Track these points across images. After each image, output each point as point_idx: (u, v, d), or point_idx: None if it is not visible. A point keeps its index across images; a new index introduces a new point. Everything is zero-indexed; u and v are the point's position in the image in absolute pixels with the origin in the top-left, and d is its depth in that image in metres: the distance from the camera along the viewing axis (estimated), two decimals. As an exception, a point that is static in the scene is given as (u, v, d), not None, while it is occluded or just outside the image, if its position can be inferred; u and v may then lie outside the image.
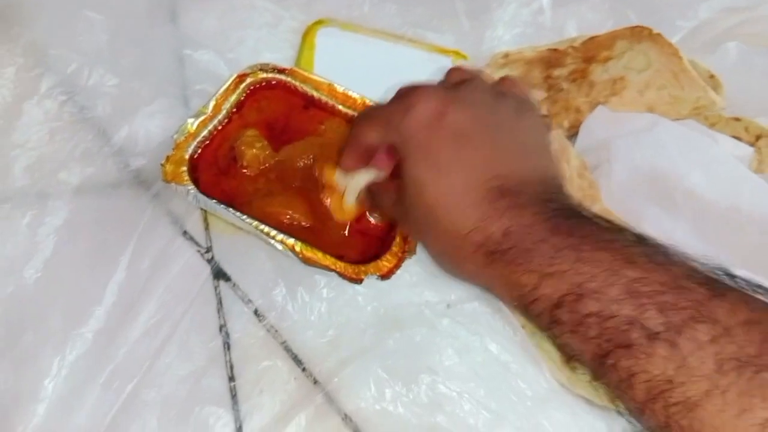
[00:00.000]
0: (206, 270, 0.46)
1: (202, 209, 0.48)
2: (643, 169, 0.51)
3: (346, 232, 0.47)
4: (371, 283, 0.45)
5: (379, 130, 0.40)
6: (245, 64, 0.52)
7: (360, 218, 0.47)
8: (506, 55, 0.60)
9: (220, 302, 0.45)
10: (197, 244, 0.47)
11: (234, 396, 0.42)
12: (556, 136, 0.54)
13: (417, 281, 0.48)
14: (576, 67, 0.59)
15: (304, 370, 0.44)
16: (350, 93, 0.52)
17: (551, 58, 0.60)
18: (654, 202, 0.51)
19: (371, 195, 0.44)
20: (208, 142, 0.48)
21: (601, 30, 0.60)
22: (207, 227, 0.48)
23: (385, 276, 0.44)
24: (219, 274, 0.46)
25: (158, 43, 0.55)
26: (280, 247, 0.44)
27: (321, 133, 0.51)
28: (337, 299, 0.46)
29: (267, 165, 0.48)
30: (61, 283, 0.43)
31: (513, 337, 0.47)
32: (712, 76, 0.59)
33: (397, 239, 0.46)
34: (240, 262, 0.47)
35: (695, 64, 0.58)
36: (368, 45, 0.60)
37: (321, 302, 0.46)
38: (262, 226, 0.44)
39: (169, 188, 0.46)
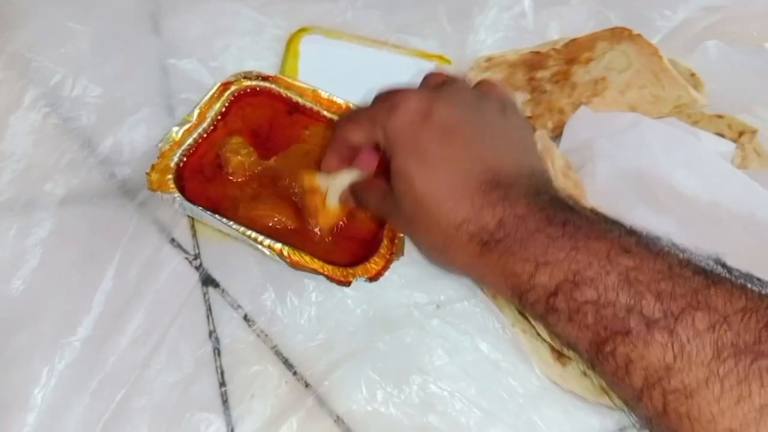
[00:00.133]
0: (194, 277, 0.46)
1: (189, 216, 0.48)
2: (626, 167, 0.52)
3: (329, 238, 0.47)
4: (360, 285, 0.45)
5: (363, 130, 0.40)
6: (229, 72, 0.52)
7: (346, 222, 0.47)
8: (489, 59, 0.61)
9: (209, 308, 0.45)
10: (185, 251, 0.47)
11: (225, 401, 0.42)
12: (540, 137, 0.54)
13: (406, 283, 0.48)
14: (558, 69, 0.59)
15: (294, 373, 0.44)
16: (335, 99, 0.52)
17: (534, 61, 0.60)
18: (638, 201, 0.51)
19: (356, 194, 0.44)
20: (193, 150, 0.48)
21: (583, 32, 0.61)
22: (194, 234, 0.48)
23: (373, 278, 0.44)
24: (207, 281, 0.46)
25: (141, 53, 0.55)
26: (267, 252, 0.44)
27: (305, 139, 0.51)
28: (326, 302, 0.46)
29: (253, 171, 0.48)
30: (49, 293, 0.43)
31: (503, 336, 0.47)
32: (692, 75, 0.59)
33: (385, 241, 0.46)
34: (228, 268, 0.47)
35: (676, 63, 0.59)
36: (352, 51, 0.60)
37: (310, 306, 0.46)
38: (249, 232, 0.44)
39: (155, 197, 0.46)
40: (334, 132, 0.43)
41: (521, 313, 0.47)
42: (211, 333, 0.44)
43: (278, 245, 0.44)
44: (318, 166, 0.45)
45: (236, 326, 0.45)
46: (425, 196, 0.36)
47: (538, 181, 0.37)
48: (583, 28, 0.63)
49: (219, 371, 0.43)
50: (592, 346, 0.32)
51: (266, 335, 0.45)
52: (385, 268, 0.45)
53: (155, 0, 0.59)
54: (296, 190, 0.47)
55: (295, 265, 0.43)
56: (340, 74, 0.57)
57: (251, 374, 0.43)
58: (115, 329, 0.43)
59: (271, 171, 0.48)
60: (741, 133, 0.57)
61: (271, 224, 0.46)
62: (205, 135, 0.49)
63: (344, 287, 0.44)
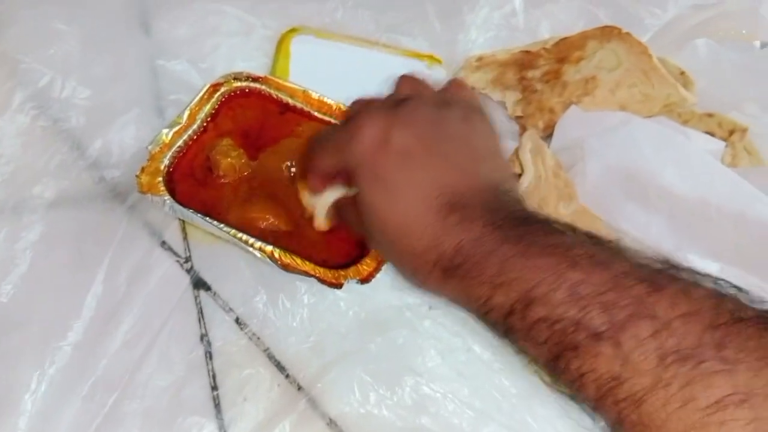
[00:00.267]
0: (186, 280, 0.46)
1: (179, 219, 0.48)
2: (617, 166, 0.52)
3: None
4: (352, 287, 0.45)
5: (330, 159, 0.41)
6: (219, 73, 0.52)
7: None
8: (480, 58, 0.61)
9: (200, 311, 0.45)
10: (176, 254, 0.47)
11: (217, 405, 0.42)
12: (531, 137, 0.55)
13: (397, 284, 0.48)
14: (549, 68, 0.59)
15: (287, 376, 0.44)
16: (325, 99, 0.52)
17: (524, 60, 0.60)
18: (629, 199, 0.51)
19: (339, 212, 0.44)
20: (183, 152, 0.48)
21: (573, 31, 0.61)
22: (185, 237, 0.48)
23: (365, 280, 0.44)
24: (199, 284, 0.46)
25: (130, 54, 0.55)
26: (258, 254, 0.43)
27: (299, 134, 0.51)
28: (318, 305, 0.46)
29: (244, 173, 0.48)
30: (39, 298, 0.43)
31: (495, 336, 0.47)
32: (682, 73, 0.60)
33: (377, 242, 0.46)
34: (220, 270, 0.47)
35: (666, 61, 0.59)
36: (343, 51, 0.60)
37: (302, 308, 0.46)
38: (240, 235, 0.44)
39: (146, 199, 0.46)
40: (307, 156, 0.43)
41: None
42: (202, 336, 0.44)
43: (269, 248, 0.44)
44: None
45: (228, 329, 0.45)
46: (389, 225, 0.37)
47: (496, 194, 0.37)
48: (574, 26, 0.63)
49: (211, 374, 0.43)
50: (548, 362, 0.32)
51: (258, 338, 0.45)
52: (377, 269, 0.45)
53: (144, 1, 0.58)
54: (290, 173, 0.47)
55: (286, 268, 0.43)
56: (332, 74, 0.57)
57: (243, 377, 0.43)
58: (105, 333, 0.43)
59: (262, 171, 0.48)
60: (731, 132, 0.57)
61: (263, 226, 0.46)
62: (195, 137, 0.49)
63: (336, 289, 0.44)
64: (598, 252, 0.33)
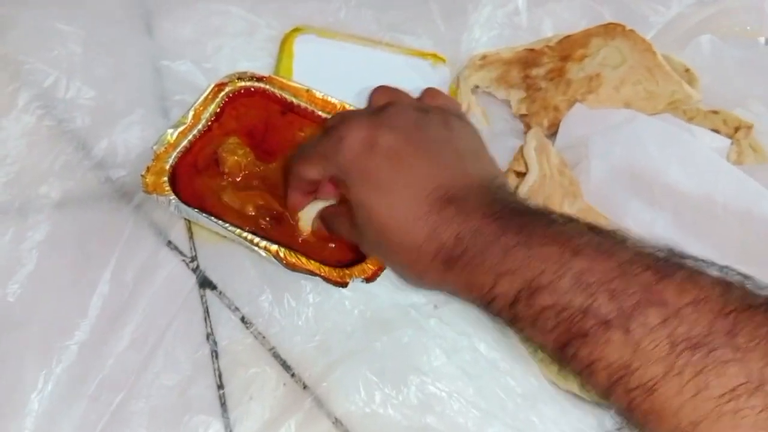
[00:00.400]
0: (192, 279, 0.46)
1: (185, 219, 0.48)
2: (621, 164, 0.52)
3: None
4: (357, 286, 0.45)
5: (317, 166, 0.41)
6: (223, 73, 0.52)
7: None
8: (484, 57, 0.61)
9: (206, 311, 0.45)
10: (182, 253, 0.47)
11: (223, 404, 0.42)
12: (536, 135, 0.54)
13: (403, 283, 0.47)
14: (553, 66, 0.59)
15: (293, 375, 0.44)
16: (330, 99, 0.52)
17: (528, 58, 0.60)
18: (634, 197, 0.51)
19: (325, 222, 0.45)
20: (188, 151, 0.48)
21: (577, 28, 0.61)
22: (191, 237, 0.48)
23: (370, 279, 0.44)
24: (204, 283, 0.46)
25: (134, 54, 0.55)
26: (263, 253, 0.44)
27: (301, 141, 0.51)
28: (323, 304, 0.46)
29: (249, 172, 0.48)
30: (45, 297, 0.43)
31: (501, 336, 0.47)
32: (687, 70, 0.60)
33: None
34: (225, 270, 0.47)
35: (670, 58, 0.59)
36: (346, 51, 0.60)
37: (308, 307, 0.46)
38: (245, 234, 0.44)
39: (151, 199, 0.46)
40: (291, 170, 0.44)
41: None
42: (208, 335, 0.44)
43: (274, 247, 0.44)
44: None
45: (234, 328, 0.45)
46: (385, 224, 0.37)
47: (491, 189, 0.38)
48: (577, 24, 0.63)
49: (217, 373, 0.43)
50: (556, 350, 0.32)
51: (264, 337, 0.45)
52: (382, 268, 0.45)
53: (147, 1, 0.59)
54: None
55: (292, 267, 0.43)
56: (335, 74, 0.57)
57: (249, 376, 0.43)
58: (112, 332, 0.43)
59: (272, 174, 0.49)
60: (737, 129, 0.57)
61: (258, 204, 0.46)
62: (199, 136, 0.49)
63: (341, 288, 0.44)
64: (602, 241, 0.33)
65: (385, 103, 0.41)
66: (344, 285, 0.44)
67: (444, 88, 0.58)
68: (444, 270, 0.36)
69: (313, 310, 0.46)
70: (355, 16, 0.62)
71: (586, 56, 0.58)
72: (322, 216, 0.45)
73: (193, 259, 0.47)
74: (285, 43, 0.59)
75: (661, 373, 0.29)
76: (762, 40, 0.65)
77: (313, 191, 0.44)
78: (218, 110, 0.50)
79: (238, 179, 0.48)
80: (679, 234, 0.49)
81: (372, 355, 0.45)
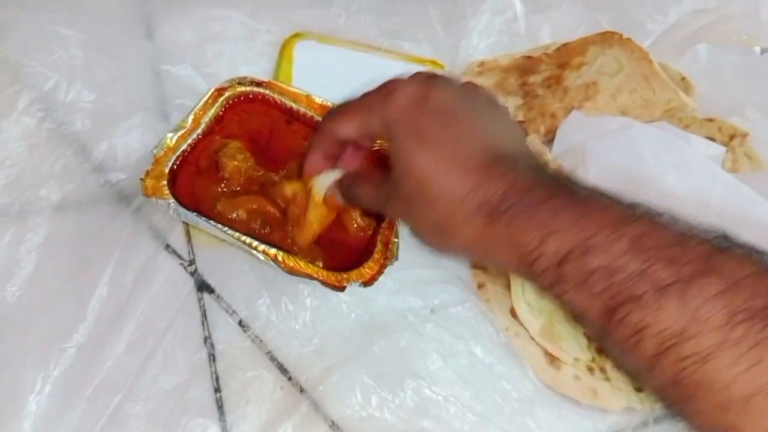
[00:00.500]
0: (190, 282, 0.46)
1: (184, 222, 0.48)
2: (617, 171, 0.52)
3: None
4: (354, 290, 0.45)
5: (355, 122, 0.41)
6: (223, 78, 0.52)
7: (336, 227, 0.48)
8: (482, 64, 0.61)
9: (204, 314, 0.45)
10: (180, 257, 0.47)
11: (220, 407, 0.42)
12: (533, 142, 0.55)
13: (400, 287, 0.48)
14: (550, 74, 0.60)
15: (290, 379, 0.44)
16: (329, 104, 0.52)
17: (526, 65, 0.61)
18: (630, 203, 0.51)
19: (345, 189, 0.44)
20: (188, 156, 0.48)
21: (574, 36, 0.61)
22: (189, 240, 0.48)
23: (367, 283, 0.45)
24: (203, 286, 0.46)
25: (134, 58, 0.55)
26: (262, 257, 0.44)
27: (304, 151, 0.51)
28: (321, 308, 0.46)
29: (249, 177, 0.48)
30: (44, 300, 0.43)
31: (497, 340, 0.47)
32: (683, 79, 0.60)
33: (379, 246, 0.46)
34: (223, 273, 0.47)
35: (666, 67, 0.60)
36: (346, 57, 0.60)
37: (305, 311, 0.46)
38: (243, 237, 0.44)
39: (150, 203, 0.46)
40: (319, 129, 0.43)
41: (514, 316, 0.48)
42: (206, 339, 0.45)
43: (273, 250, 0.44)
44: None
45: (231, 332, 0.45)
46: (427, 174, 0.36)
47: (536, 161, 0.38)
48: (575, 32, 0.63)
49: (214, 377, 0.43)
50: (602, 314, 0.32)
51: (261, 341, 0.45)
52: (380, 272, 0.45)
53: (147, 6, 0.59)
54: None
55: (290, 270, 0.44)
56: (334, 79, 0.57)
57: (246, 380, 0.43)
58: (110, 335, 0.43)
59: (267, 177, 0.49)
60: (732, 137, 0.58)
61: (255, 206, 0.46)
62: (201, 140, 0.49)
63: (339, 292, 0.44)
64: (657, 214, 0.33)
65: (431, 74, 0.41)
66: (342, 289, 0.44)
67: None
68: (485, 225, 0.35)
69: (310, 314, 0.46)
70: (355, 23, 0.62)
71: (584, 64, 0.59)
72: (342, 183, 0.44)
73: (192, 262, 0.47)
74: (285, 48, 0.59)
75: (716, 343, 0.28)
76: (758, 49, 0.66)
77: (334, 157, 0.44)
78: (219, 115, 0.50)
79: (238, 188, 0.48)
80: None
81: (369, 359, 0.45)
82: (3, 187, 0.47)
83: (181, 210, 0.44)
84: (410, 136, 0.37)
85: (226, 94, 0.51)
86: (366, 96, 0.41)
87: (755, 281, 0.29)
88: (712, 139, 0.57)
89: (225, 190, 0.48)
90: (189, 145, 0.48)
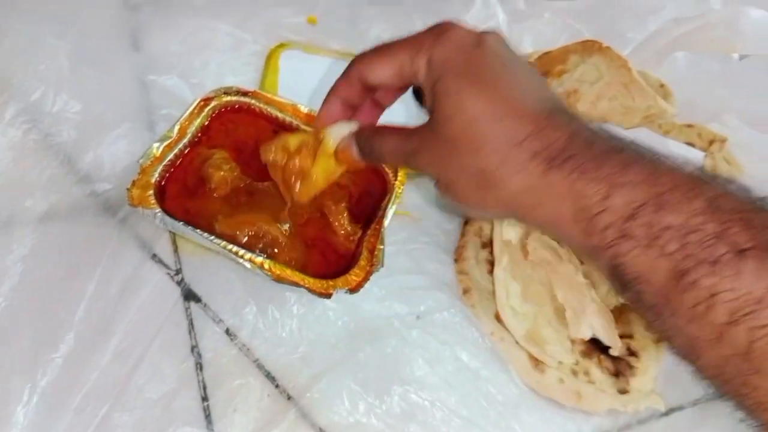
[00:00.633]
0: (176, 292, 0.47)
1: (170, 232, 0.48)
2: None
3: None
4: (341, 297, 0.45)
5: (394, 62, 0.37)
6: (209, 87, 0.52)
7: (323, 235, 0.48)
8: (465, 72, 0.62)
9: (191, 323, 0.46)
10: (166, 266, 0.47)
11: (208, 415, 0.43)
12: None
13: (386, 294, 0.48)
14: (533, 82, 0.60)
15: (277, 386, 0.44)
16: (314, 113, 0.53)
17: (509, 73, 0.61)
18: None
19: (365, 140, 0.40)
20: (174, 165, 0.48)
21: (556, 45, 0.62)
22: (176, 249, 0.48)
23: (353, 290, 0.45)
24: (189, 296, 0.47)
25: (121, 69, 0.56)
26: (248, 265, 0.44)
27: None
28: (307, 315, 0.47)
29: (236, 187, 0.49)
30: (30, 310, 0.43)
31: (482, 345, 0.48)
32: (662, 86, 0.61)
33: (365, 253, 0.47)
34: (210, 282, 0.47)
35: (646, 74, 0.61)
36: (331, 66, 0.61)
37: (292, 319, 0.47)
38: (230, 246, 0.44)
39: (137, 212, 0.46)
40: (346, 72, 0.40)
41: (499, 321, 0.48)
42: (193, 347, 0.45)
43: (259, 259, 0.44)
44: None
45: (218, 340, 0.45)
46: (479, 115, 0.33)
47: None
48: (557, 41, 0.64)
49: (201, 385, 0.44)
50: (670, 277, 0.29)
51: (248, 349, 0.45)
52: (366, 279, 0.45)
53: (134, 16, 0.59)
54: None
55: (276, 278, 0.44)
56: (320, 89, 0.57)
57: (234, 388, 0.44)
58: (97, 345, 0.43)
59: (253, 186, 0.49)
60: (711, 142, 0.59)
61: (252, 233, 0.46)
62: (186, 150, 0.49)
63: (325, 299, 0.45)
64: (725, 181, 0.31)
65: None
66: (328, 296, 0.44)
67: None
68: (542, 173, 0.32)
69: (297, 322, 0.46)
70: (340, 33, 0.63)
71: (565, 72, 0.60)
72: (360, 134, 0.40)
73: (178, 272, 0.47)
74: (270, 58, 0.60)
75: None
76: (736, 56, 0.67)
77: (353, 109, 0.41)
78: (206, 124, 0.51)
79: (231, 202, 0.48)
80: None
81: (356, 365, 0.45)
82: (-12, 198, 0.47)
83: (168, 219, 0.45)
84: (463, 76, 0.34)
85: (213, 104, 0.51)
86: (412, 36, 0.38)
87: None
88: (691, 144, 0.59)
89: (223, 206, 0.48)
90: (175, 155, 0.48)
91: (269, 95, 0.53)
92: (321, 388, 0.44)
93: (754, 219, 0.29)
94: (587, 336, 0.48)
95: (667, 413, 0.48)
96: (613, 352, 0.48)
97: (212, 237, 0.44)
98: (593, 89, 0.58)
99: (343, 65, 0.60)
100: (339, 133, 0.41)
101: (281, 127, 0.52)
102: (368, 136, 0.40)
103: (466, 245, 0.52)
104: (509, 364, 0.47)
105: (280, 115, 0.52)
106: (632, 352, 0.49)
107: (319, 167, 0.42)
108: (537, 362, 0.47)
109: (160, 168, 0.47)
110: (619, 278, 0.31)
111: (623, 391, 0.47)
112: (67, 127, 0.51)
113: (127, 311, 0.44)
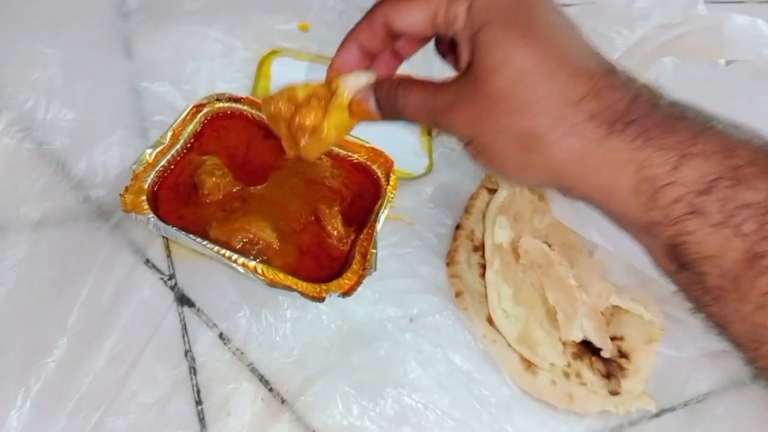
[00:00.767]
0: (170, 296, 0.47)
1: (163, 237, 0.48)
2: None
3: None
4: (334, 301, 0.45)
5: (428, 6, 0.33)
6: (201, 94, 0.53)
7: (316, 239, 0.49)
8: (456, 78, 0.62)
9: (184, 328, 0.46)
10: (160, 271, 0.48)
11: (202, 419, 0.43)
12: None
13: (379, 297, 0.49)
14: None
15: (271, 390, 0.44)
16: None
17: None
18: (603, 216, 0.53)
19: (385, 92, 0.36)
20: (167, 171, 0.49)
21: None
22: (169, 254, 0.49)
23: (346, 293, 0.45)
24: (183, 300, 0.47)
25: (113, 76, 0.56)
26: (241, 270, 0.44)
27: (280, 165, 0.52)
28: (301, 319, 0.47)
29: (228, 192, 0.49)
30: (24, 316, 0.43)
31: (475, 347, 0.48)
32: (650, 91, 0.62)
33: (357, 257, 0.47)
34: (203, 287, 0.48)
35: (634, 80, 0.61)
36: (322, 73, 0.61)
37: (285, 323, 0.47)
38: (223, 251, 0.44)
39: (130, 218, 0.46)
40: (368, 15, 0.35)
41: (491, 324, 0.49)
42: (186, 352, 0.45)
43: (252, 263, 0.44)
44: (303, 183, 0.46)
45: (212, 345, 0.45)
46: (529, 70, 0.30)
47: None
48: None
49: (195, 390, 0.44)
50: (743, 259, 0.27)
51: (242, 353, 0.45)
52: (358, 283, 0.46)
53: (126, 24, 0.60)
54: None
55: (270, 282, 0.44)
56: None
57: (227, 392, 0.44)
58: (90, 350, 0.43)
59: (246, 192, 0.49)
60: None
61: (246, 239, 0.46)
62: (179, 157, 0.50)
63: (318, 303, 0.45)
64: None
65: None
66: (321, 300, 0.44)
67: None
68: (601, 136, 0.29)
69: (290, 326, 0.47)
70: (331, 39, 0.63)
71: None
72: (380, 86, 0.36)
73: (171, 276, 0.48)
74: (262, 65, 0.60)
75: None
76: (723, 61, 0.68)
77: (371, 57, 0.37)
78: (198, 131, 0.51)
79: (225, 207, 0.48)
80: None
81: (349, 368, 0.45)
82: (-18, 206, 0.47)
83: (161, 224, 0.45)
84: (510, 25, 0.30)
85: (205, 110, 0.52)
86: None
87: None
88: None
89: (217, 212, 0.48)
90: (168, 161, 0.49)
91: (260, 101, 0.54)
92: (315, 392, 0.44)
93: None
94: (578, 338, 0.49)
95: (658, 414, 0.48)
96: (605, 354, 0.49)
97: (205, 242, 0.45)
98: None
99: (334, 72, 0.61)
100: (356, 83, 0.36)
101: (272, 133, 0.53)
102: (390, 88, 0.35)
103: (458, 249, 0.52)
104: (501, 367, 0.47)
105: (272, 121, 0.53)
106: (623, 354, 0.50)
107: (331, 121, 0.37)
108: (529, 364, 0.47)
109: (153, 174, 0.47)
110: (679, 258, 0.28)
111: (615, 393, 0.47)
112: (60, 135, 0.52)
113: (121, 316, 0.45)
